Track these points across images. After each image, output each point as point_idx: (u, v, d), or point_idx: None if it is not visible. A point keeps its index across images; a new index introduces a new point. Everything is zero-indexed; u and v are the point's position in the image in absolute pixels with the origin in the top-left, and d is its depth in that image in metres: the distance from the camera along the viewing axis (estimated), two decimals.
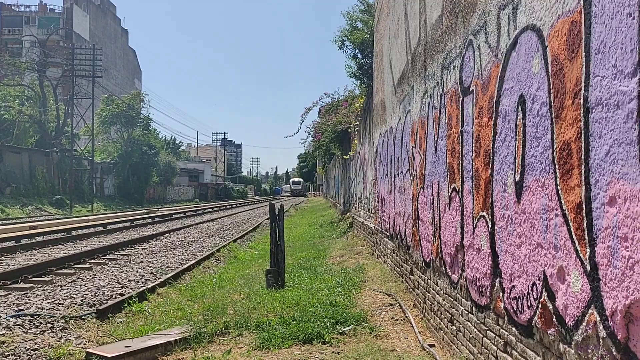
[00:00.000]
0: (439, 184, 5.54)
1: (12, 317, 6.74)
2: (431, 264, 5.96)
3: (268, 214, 34.23)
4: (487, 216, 3.98)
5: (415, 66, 6.93)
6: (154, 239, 17.21)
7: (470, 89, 4.43)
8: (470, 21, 4.47)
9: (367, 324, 6.43)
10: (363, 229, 14.26)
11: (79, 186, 43.11)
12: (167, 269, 11.54)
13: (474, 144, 4.30)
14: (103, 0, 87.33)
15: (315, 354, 5.53)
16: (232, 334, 6.60)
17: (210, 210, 39.54)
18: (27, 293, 8.34)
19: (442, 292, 5.48)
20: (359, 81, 15.27)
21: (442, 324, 5.48)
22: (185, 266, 11.47)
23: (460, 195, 4.72)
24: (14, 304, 7.52)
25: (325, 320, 6.53)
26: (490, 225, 3.90)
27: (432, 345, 5.51)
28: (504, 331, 3.69)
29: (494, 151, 3.81)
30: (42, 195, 37.83)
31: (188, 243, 16.68)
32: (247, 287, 9.59)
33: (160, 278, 10.08)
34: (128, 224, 23.59)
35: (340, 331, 6.25)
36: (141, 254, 13.72)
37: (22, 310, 7.13)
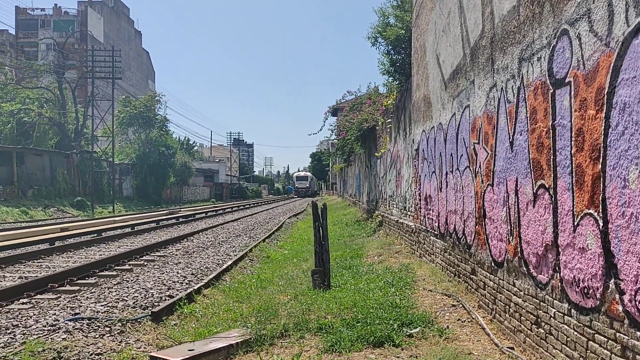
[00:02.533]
0: (516, 181, 5.34)
1: (69, 321, 6.65)
2: (505, 264, 5.76)
3: (287, 213, 34.15)
4: (595, 214, 3.78)
5: (477, 60, 6.73)
6: (185, 240, 17.15)
7: (566, 81, 4.22)
8: (564, 10, 4.26)
9: (434, 326, 6.24)
10: (398, 227, 14.07)
11: (99, 187, 43.31)
12: (206, 269, 11.44)
13: (573, 138, 4.10)
14: (117, 2, 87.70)
15: (391, 358, 5.36)
16: (293, 336, 6.46)
17: (230, 210, 39.53)
18: (77, 296, 8.25)
19: (521, 293, 5.28)
20: (391, 78, 15.05)
21: (522, 326, 5.28)
22: (224, 267, 11.35)
23: (551, 192, 4.51)
24: (67, 307, 7.43)
25: (391, 322, 6.36)
26: (601, 224, 3.70)
27: (511, 348, 5.32)
28: (622, 335, 3.49)
29: (607, 145, 3.61)
30: (63, 197, 38.02)
31: (219, 243, 16.59)
32: (291, 287, 9.46)
33: (203, 279, 9.96)
34: (154, 224, 23.58)
35: (408, 333, 6.07)
36: (176, 254, 13.64)
37: (78, 313, 7.03)
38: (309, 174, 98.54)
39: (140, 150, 50.56)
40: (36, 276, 9.87)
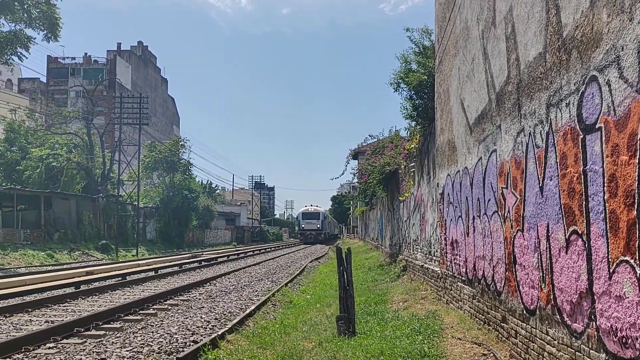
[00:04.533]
0: (547, 227, 5.27)
1: None
2: (537, 312, 5.62)
3: (309, 257, 33.89)
4: (632, 261, 3.70)
5: (503, 105, 6.77)
6: (208, 284, 17.12)
7: (597, 127, 4.22)
8: (592, 57, 4.30)
9: None
10: (423, 272, 13.87)
11: (123, 231, 43.78)
12: (229, 314, 11.36)
13: (606, 184, 4.06)
14: (144, 51, 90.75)
15: None
16: None
17: (251, 253, 39.48)
18: (102, 340, 8.24)
19: (555, 342, 5.13)
20: (414, 122, 15.15)
21: None
22: (247, 312, 11.27)
23: (584, 239, 4.44)
24: (93, 352, 7.42)
25: None
26: (639, 271, 3.62)
27: None
28: None
29: None
30: (88, 240, 38.46)
31: (241, 287, 16.51)
32: (315, 333, 9.34)
33: (226, 325, 9.89)
34: (177, 268, 23.64)
35: None
36: (199, 299, 13.60)
37: (105, 359, 7.01)
38: (320, 208, 70.32)
39: (164, 194, 51.28)
40: (62, 320, 9.91)
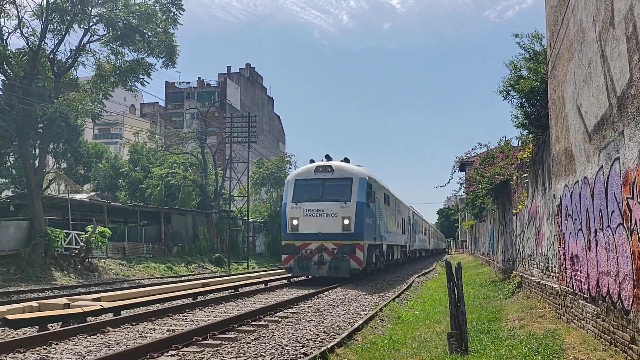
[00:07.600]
0: None
1: None
2: None
3: (416, 272, 33.15)
4: None
5: (626, 109, 6.29)
6: (315, 297, 17.37)
7: None
8: None
9: None
10: (540, 289, 13.13)
11: (235, 244, 45.82)
12: (337, 327, 11.43)
13: None
14: (252, 72, 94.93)
15: None
16: None
17: None
18: (219, 350, 8.63)
19: None
20: (526, 131, 14.48)
21: None
22: (355, 326, 11.28)
23: None
24: None
25: None
26: None
27: None
28: None
29: None
30: (203, 254, 40.66)
31: (348, 301, 16.56)
32: (425, 350, 9.15)
33: (335, 338, 9.96)
34: (285, 281, 24.24)
35: None
36: (308, 312, 13.83)
37: None
38: (356, 169, 21.94)
39: (272, 209, 53.02)
40: (182, 329, 10.51)
